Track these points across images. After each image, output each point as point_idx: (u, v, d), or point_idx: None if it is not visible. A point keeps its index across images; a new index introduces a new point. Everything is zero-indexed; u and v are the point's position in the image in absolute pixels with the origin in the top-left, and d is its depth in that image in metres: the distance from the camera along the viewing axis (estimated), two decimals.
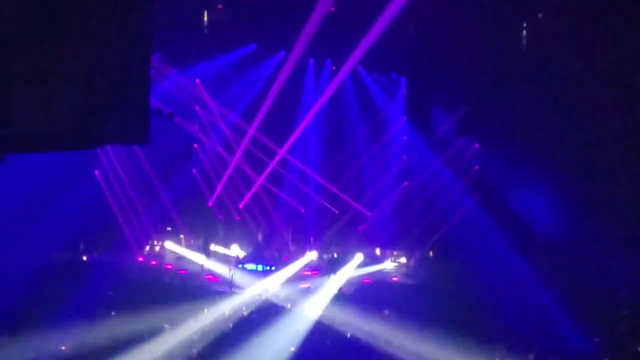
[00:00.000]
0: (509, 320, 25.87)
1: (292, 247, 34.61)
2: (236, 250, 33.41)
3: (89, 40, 7.20)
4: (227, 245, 33.90)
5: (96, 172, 33.74)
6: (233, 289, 30.04)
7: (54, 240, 30.51)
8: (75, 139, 7.40)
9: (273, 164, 33.94)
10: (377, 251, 34.55)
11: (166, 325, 25.98)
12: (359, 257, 34.01)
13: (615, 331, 25.71)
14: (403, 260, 33.55)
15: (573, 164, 29.76)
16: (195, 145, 35.18)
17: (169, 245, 34.35)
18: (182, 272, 32.44)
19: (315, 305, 28.85)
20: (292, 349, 25.11)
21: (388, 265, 33.36)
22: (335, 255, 30.99)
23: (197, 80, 34.02)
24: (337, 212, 35.00)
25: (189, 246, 34.49)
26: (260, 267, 31.51)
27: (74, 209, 31.25)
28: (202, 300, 28.47)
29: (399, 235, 34.35)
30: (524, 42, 31.84)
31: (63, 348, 23.83)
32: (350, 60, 31.44)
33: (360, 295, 29.91)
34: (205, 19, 32.81)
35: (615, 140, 28.34)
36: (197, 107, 34.67)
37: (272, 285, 30.46)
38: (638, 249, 27.79)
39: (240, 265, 31.51)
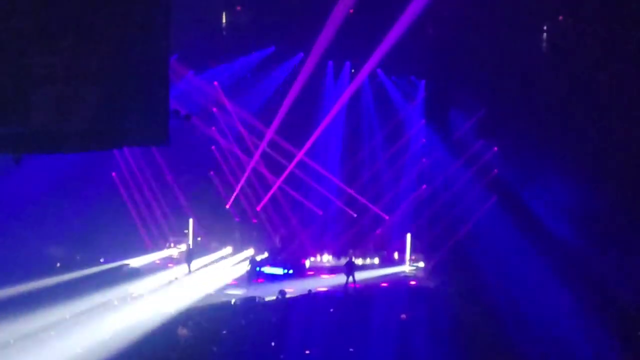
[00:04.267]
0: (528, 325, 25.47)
1: (309, 250, 34.46)
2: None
3: (107, 39, 7.06)
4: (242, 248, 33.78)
5: (113, 173, 33.77)
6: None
7: (70, 240, 30.48)
8: (93, 140, 7.24)
9: (291, 167, 33.80)
10: (395, 255, 34.36)
11: None
12: (375, 260, 33.94)
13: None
14: (421, 264, 33.27)
15: (591, 165, 29.52)
16: (213, 147, 35.11)
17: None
18: None
19: None
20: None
21: (406, 268, 33.11)
22: (353, 259, 30.70)
23: (215, 82, 33.96)
24: (355, 215, 34.87)
25: (208, 248, 34.36)
26: (281, 271, 31.26)
27: (90, 210, 31.28)
28: None
29: (417, 238, 34.14)
30: (543, 44, 31.67)
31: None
32: (369, 62, 31.31)
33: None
34: (224, 20, 32.72)
35: (635, 142, 28.07)
36: (214, 109, 34.62)
37: None
38: None
39: (258, 269, 31.20)
